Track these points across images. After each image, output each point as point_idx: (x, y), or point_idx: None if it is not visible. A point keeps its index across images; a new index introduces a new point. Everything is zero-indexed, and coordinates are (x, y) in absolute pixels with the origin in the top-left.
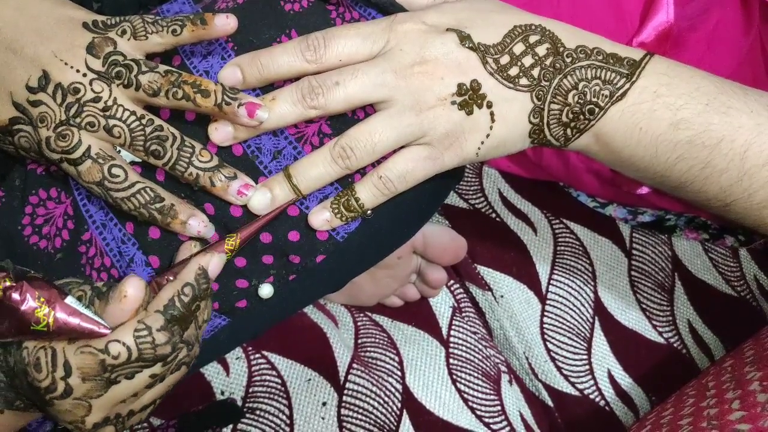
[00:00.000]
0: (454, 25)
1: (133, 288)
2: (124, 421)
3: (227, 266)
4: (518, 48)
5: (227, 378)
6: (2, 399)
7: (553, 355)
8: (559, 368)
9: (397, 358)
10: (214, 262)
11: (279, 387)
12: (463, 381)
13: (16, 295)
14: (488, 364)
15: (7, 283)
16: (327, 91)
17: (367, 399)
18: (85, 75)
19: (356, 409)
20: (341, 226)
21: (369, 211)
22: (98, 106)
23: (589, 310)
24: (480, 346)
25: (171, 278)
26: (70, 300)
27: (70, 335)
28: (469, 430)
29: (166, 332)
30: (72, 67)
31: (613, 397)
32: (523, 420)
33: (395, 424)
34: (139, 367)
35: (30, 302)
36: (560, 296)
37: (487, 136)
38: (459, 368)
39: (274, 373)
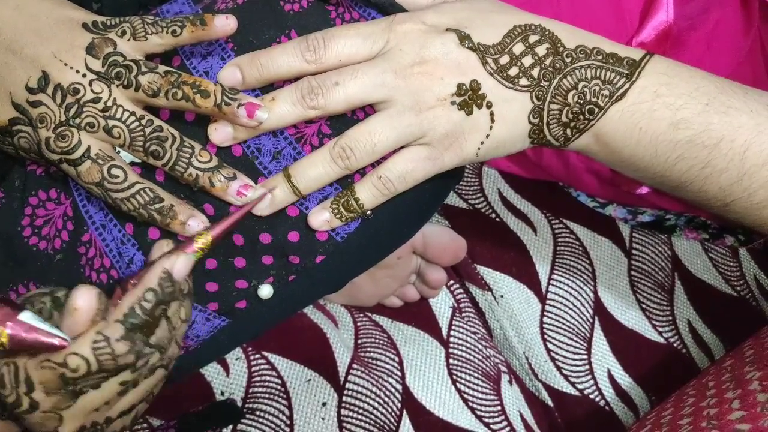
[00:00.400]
0: (453, 25)
1: (83, 300)
2: (103, 428)
3: (227, 266)
4: (518, 48)
5: (227, 378)
6: None
7: (553, 355)
8: (559, 368)
9: (397, 359)
10: (179, 264)
11: (279, 387)
12: (463, 381)
13: None
14: (488, 364)
15: None
16: (327, 92)
17: (367, 399)
18: (84, 75)
19: (356, 409)
20: (341, 226)
21: (369, 212)
22: (98, 106)
23: (589, 310)
24: (480, 346)
25: (134, 282)
26: (24, 316)
27: (31, 350)
28: (469, 430)
29: (126, 342)
30: (72, 68)
31: (613, 396)
32: (523, 420)
33: (395, 424)
34: (103, 378)
35: None
36: (560, 296)
37: (487, 136)
38: (459, 368)
39: (273, 373)
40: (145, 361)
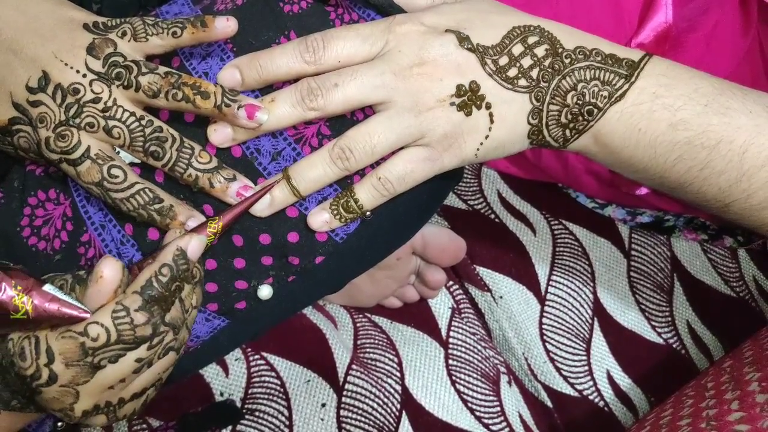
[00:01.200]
0: (452, 27)
1: (108, 269)
2: (116, 409)
3: (226, 267)
4: (517, 49)
5: (226, 379)
6: None
7: (553, 355)
8: (558, 369)
9: (396, 359)
10: (193, 244)
11: (278, 388)
12: (462, 382)
13: None
14: (487, 365)
15: None
16: (326, 93)
17: (367, 400)
18: (85, 76)
19: (355, 410)
20: (340, 227)
21: (368, 213)
22: (98, 106)
23: (588, 311)
24: (479, 347)
25: (151, 261)
26: (48, 287)
27: (52, 322)
28: (469, 431)
29: (144, 312)
30: (72, 68)
31: (613, 397)
32: (523, 421)
33: (394, 425)
34: (122, 350)
35: (7, 291)
36: (559, 297)
37: (486, 137)
38: (458, 369)
39: (273, 374)
40: (160, 339)
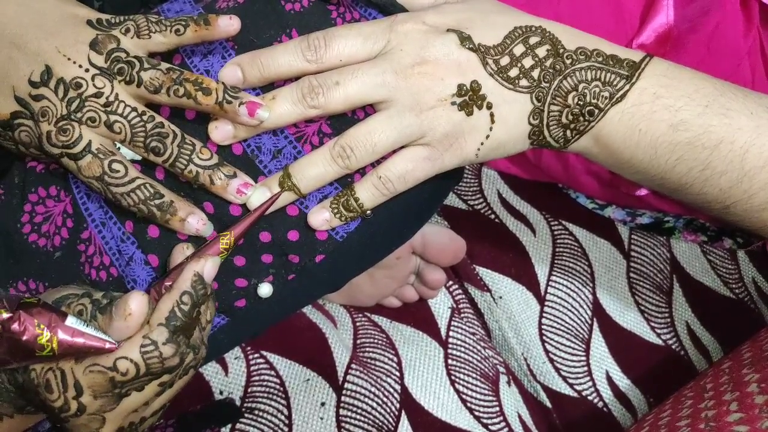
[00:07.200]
0: (454, 26)
1: (136, 304)
2: (137, 428)
3: (226, 265)
4: (518, 49)
5: (226, 378)
6: (12, 405)
7: (552, 356)
8: (557, 369)
9: (395, 359)
10: (209, 267)
11: (278, 387)
12: (461, 382)
13: (15, 326)
14: (487, 365)
15: (4, 315)
16: (327, 91)
17: (366, 399)
18: (87, 70)
19: (355, 409)
20: (340, 226)
21: (368, 212)
22: (100, 101)
23: (588, 311)
24: (478, 347)
25: (168, 284)
26: (70, 321)
27: (77, 355)
28: (468, 431)
29: (172, 344)
30: (75, 63)
31: (611, 398)
32: (522, 421)
33: (394, 424)
34: (148, 380)
35: (31, 330)
36: (559, 298)
37: (487, 137)
38: (457, 369)
39: (272, 373)
40: (183, 362)
